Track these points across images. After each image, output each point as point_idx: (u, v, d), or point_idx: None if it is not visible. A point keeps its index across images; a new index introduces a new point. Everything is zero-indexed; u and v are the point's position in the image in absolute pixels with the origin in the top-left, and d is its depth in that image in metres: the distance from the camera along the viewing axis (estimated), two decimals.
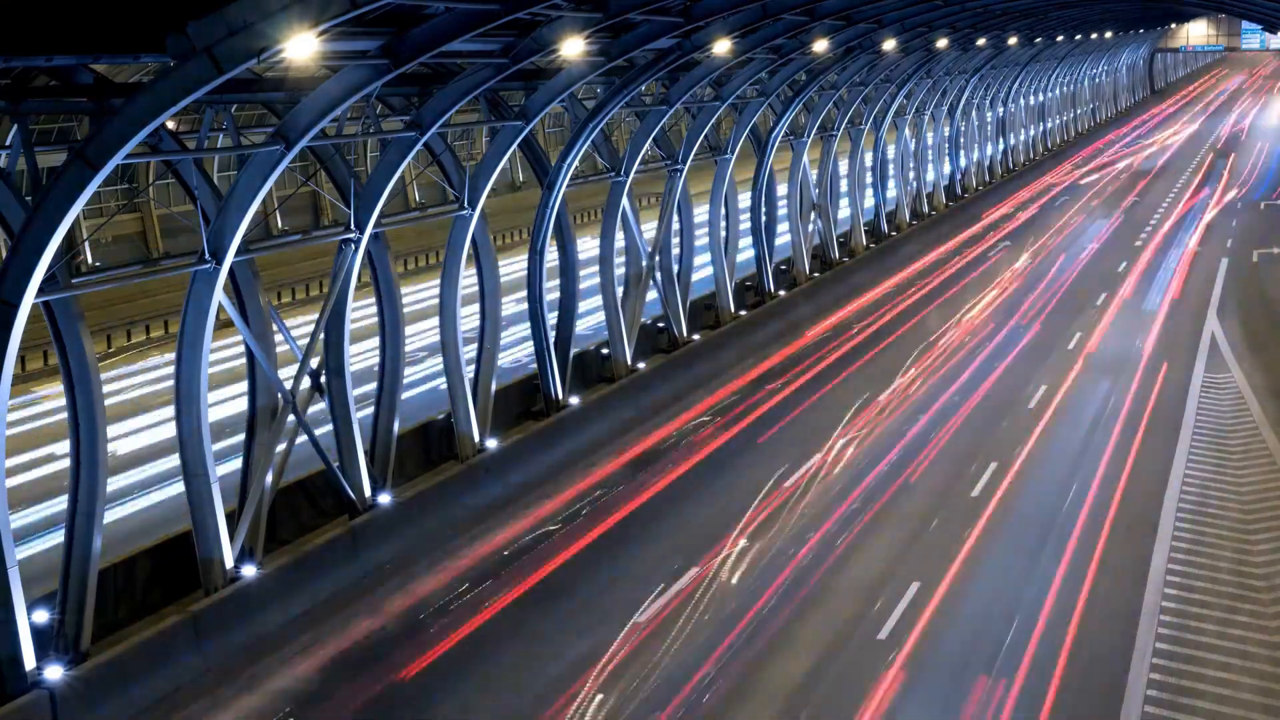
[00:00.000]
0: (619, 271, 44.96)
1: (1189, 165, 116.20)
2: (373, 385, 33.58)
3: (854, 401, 44.33)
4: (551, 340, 40.31)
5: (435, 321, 36.23)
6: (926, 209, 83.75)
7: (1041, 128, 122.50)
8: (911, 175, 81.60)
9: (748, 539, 32.63)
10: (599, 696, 25.17)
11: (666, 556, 31.55)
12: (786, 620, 28.08)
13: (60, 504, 30.76)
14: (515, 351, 49.01)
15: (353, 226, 31.34)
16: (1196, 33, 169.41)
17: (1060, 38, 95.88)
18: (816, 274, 62.47)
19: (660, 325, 49.01)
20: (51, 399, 45.85)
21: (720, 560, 31.32)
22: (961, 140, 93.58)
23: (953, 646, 26.63)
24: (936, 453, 38.92)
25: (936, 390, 45.64)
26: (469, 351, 36.82)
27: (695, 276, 51.02)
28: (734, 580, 30.23)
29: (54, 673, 23.83)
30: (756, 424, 42.33)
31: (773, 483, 36.48)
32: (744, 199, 56.31)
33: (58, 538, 25.77)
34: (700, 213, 53.22)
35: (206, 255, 26.73)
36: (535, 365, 40.51)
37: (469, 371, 36.56)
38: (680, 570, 30.65)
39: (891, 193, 78.25)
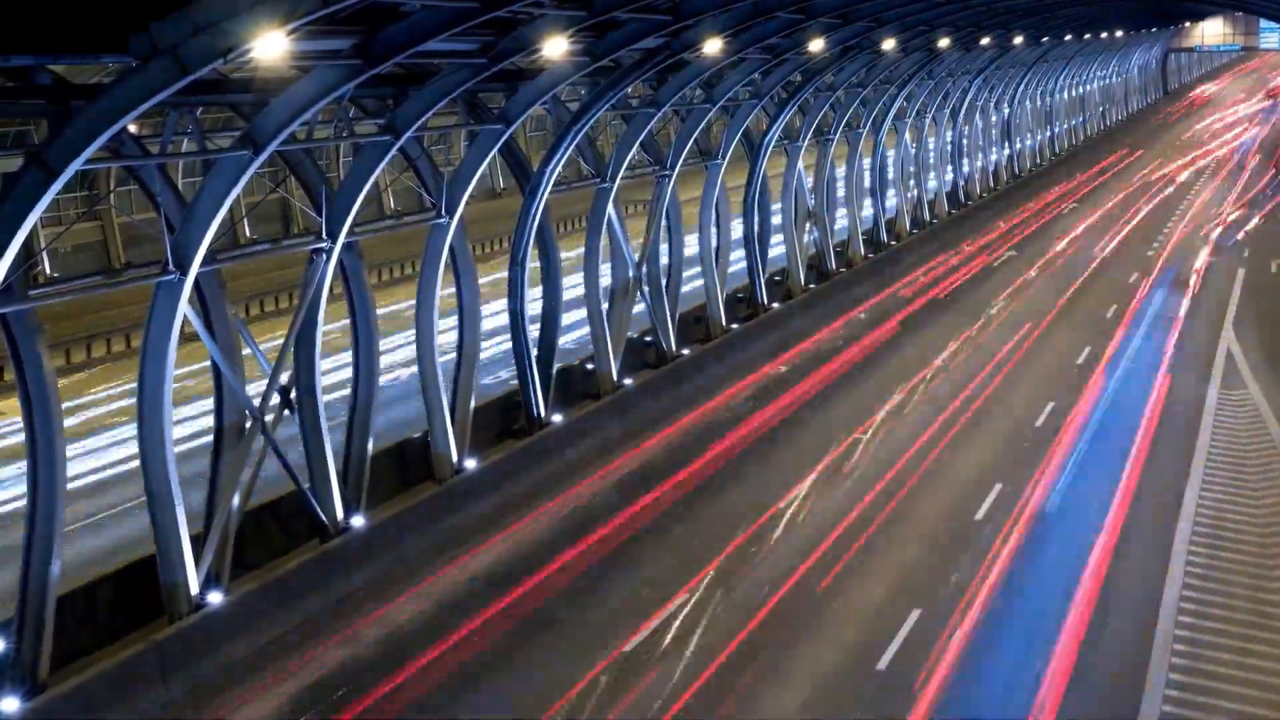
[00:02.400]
0: (604, 282, 45.06)
1: None
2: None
3: (851, 424, 44.46)
4: (533, 355, 40.38)
5: (411, 335, 36.28)
6: (928, 217, 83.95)
7: (1050, 132, 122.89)
8: (912, 181, 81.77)
9: (739, 563, 32.70)
10: None
11: (654, 583, 31.58)
12: (779, 652, 28.20)
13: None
14: (493, 356, 48.79)
15: (324, 235, 31.40)
16: (1212, 31, 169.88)
17: (1068, 37, 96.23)
18: (813, 285, 62.58)
19: (648, 339, 49.09)
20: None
21: (709, 585, 31.38)
22: (965, 145, 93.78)
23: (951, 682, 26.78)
24: (936, 474, 39.07)
25: (944, 400, 45.81)
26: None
27: (685, 288, 51.06)
28: (723, 607, 30.30)
29: (9, 704, 23.84)
30: (749, 447, 42.38)
31: (767, 505, 36.56)
32: (736, 206, 56.33)
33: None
34: (690, 221, 53.25)
35: (170, 265, 26.77)
36: (516, 381, 40.56)
37: (447, 388, 36.59)
38: (668, 598, 30.69)
39: (891, 200, 78.37)
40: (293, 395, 31.42)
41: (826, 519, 35.43)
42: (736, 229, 56.24)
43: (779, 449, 41.88)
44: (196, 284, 27.87)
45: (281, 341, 31.60)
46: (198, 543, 28.30)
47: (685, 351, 49.41)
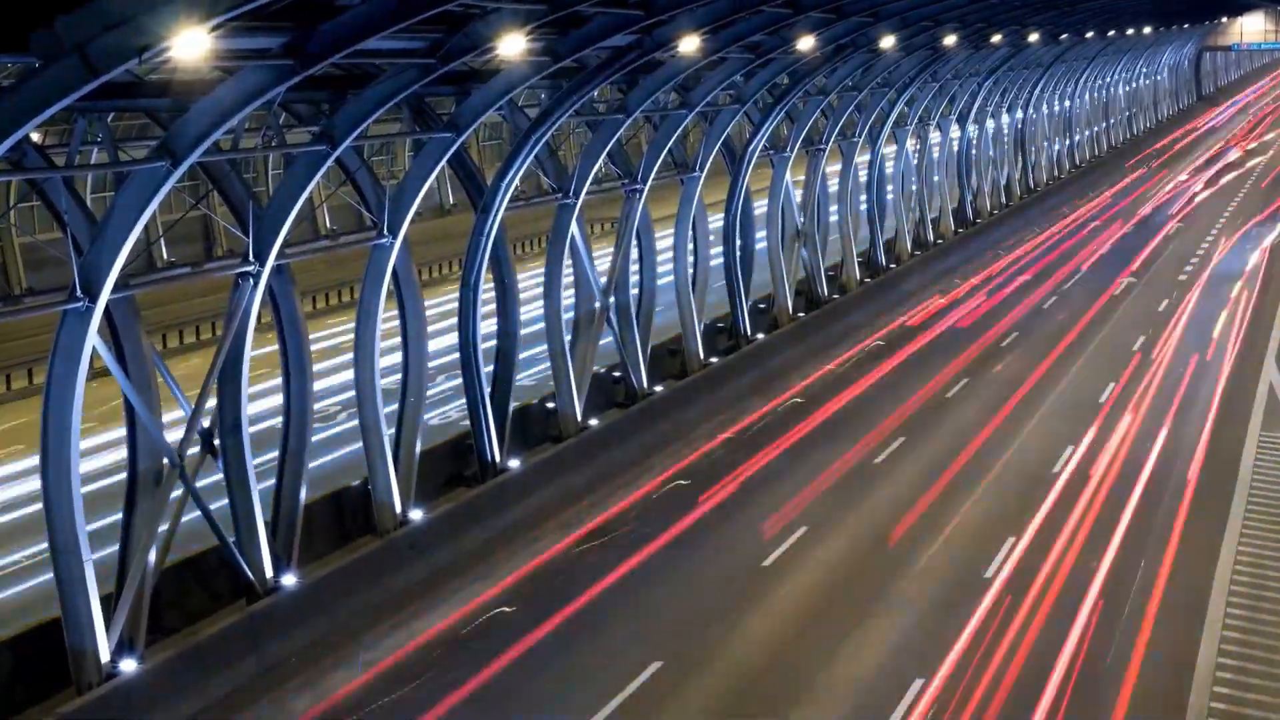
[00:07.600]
0: (567, 311, 45.14)
1: None
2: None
3: (835, 462, 44.71)
4: (487, 392, 40.44)
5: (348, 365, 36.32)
6: (932, 237, 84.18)
7: (1069, 141, 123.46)
8: (914, 197, 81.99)
9: (723, 629, 32.82)
10: None
11: (626, 652, 31.64)
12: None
13: None
14: (443, 397, 48.83)
15: (251, 257, 31.45)
16: (1251, 28, 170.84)
17: (1090, 34, 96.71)
18: (801, 314, 62.71)
19: (616, 374, 49.14)
20: None
21: (691, 655, 31.47)
22: (973, 155, 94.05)
23: None
24: (939, 519, 39.38)
25: (943, 452, 46.13)
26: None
27: (658, 317, 51.19)
28: (707, 679, 30.40)
29: None
30: (731, 494, 42.50)
31: (751, 565, 36.70)
32: (715, 224, 56.52)
33: None
34: (664, 241, 53.43)
35: (78, 291, 26.79)
36: (468, 422, 40.62)
37: (389, 429, 36.66)
38: (642, 668, 30.74)
39: (890, 218, 78.52)
40: (215, 438, 31.49)
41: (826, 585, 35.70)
42: (716, 250, 56.39)
43: (759, 500, 42.03)
44: (107, 312, 27.87)
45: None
46: (109, 604, 28.32)
47: (658, 388, 49.48)
